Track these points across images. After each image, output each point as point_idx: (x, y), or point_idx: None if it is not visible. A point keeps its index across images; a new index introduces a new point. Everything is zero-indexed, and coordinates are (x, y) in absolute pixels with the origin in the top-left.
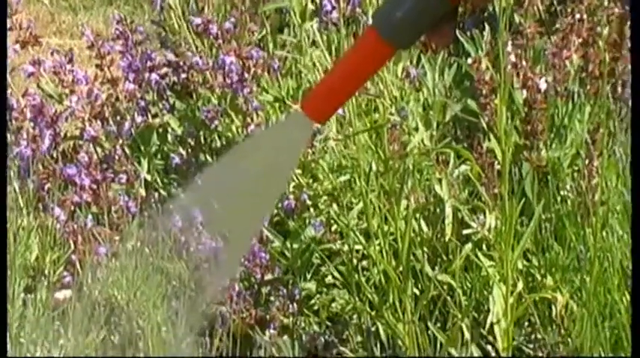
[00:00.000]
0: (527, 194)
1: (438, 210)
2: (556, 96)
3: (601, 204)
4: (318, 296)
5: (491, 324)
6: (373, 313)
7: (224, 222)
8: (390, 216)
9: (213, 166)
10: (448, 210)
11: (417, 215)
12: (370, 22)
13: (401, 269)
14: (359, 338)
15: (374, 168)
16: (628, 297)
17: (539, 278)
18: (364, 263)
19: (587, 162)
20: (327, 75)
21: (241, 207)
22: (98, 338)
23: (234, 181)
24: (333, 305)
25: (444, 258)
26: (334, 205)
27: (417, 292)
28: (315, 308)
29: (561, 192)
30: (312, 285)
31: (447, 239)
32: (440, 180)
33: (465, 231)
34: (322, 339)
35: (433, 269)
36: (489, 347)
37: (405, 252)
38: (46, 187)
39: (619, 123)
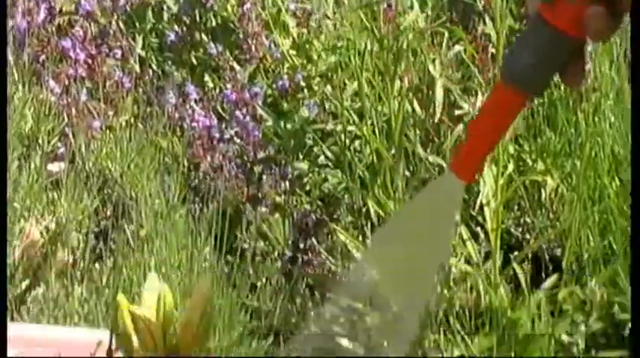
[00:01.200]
0: None
1: (430, 91)
2: None
3: (593, 90)
4: (310, 175)
5: (481, 205)
6: (365, 192)
7: (397, 288)
8: (384, 96)
9: (375, 239)
10: (439, 90)
11: (410, 95)
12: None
13: (393, 149)
14: (350, 218)
15: (368, 47)
16: (617, 182)
17: (530, 162)
18: (357, 143)
19: None
20: (469, 136)
21: (411, 274)
22: (92, 206)
23: (399, 252)
24: (325, 184)
25: (436, 139)
26: (328, 86)
27: (409, 174)
28: (307, 188)
29: (554, 77)
30: (304, 165)
31: (437, 119)
32: (433, 61)
33: (457, 112)
34: (313, 217)
35: (425, 151)
36: (478, 229)
37: (398, 132)
38: (41, 59)
39: None
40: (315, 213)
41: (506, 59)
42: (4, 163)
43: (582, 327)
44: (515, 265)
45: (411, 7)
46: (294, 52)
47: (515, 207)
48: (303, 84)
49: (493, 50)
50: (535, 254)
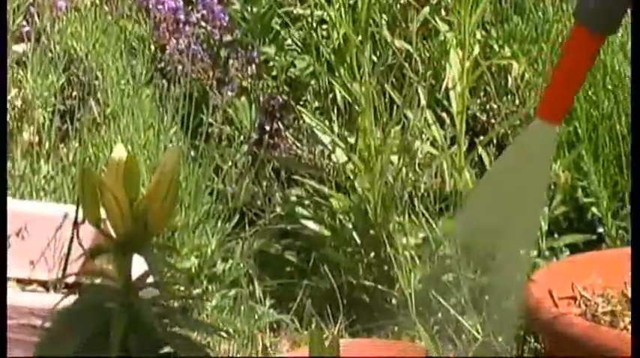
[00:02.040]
0: None
1: None
2: None
3: None
4: (277, 59)
5: (447, 89)
6: (331, 75)
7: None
8: None
9: (478, 190)
10: None
11: None
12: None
13: (360, 34)
14: (316, 103)
15: None
16: None
17: (497, 48)
18: (324, 27)
19: None
20: (552, 82)
21: (514, 217)
22: (58, 83)
23: (502, 198)
24: (292, 69)
25: (403, 24)
26: None
27: (375, 58)
28: (274, 72)
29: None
30: (271, 49)
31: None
32: None
33: None
34: (280, 99)
35: (392, 35)
36: (444, 114)
37: (365, 14)
38: None
39: None
40: (282, 96)
41: (583, 6)
42: (3, 162)
43: (545, 209)
44: (480, 149)
45: None
46: None
47: (482, 93)
48: None
49: None
50: (500, 138)
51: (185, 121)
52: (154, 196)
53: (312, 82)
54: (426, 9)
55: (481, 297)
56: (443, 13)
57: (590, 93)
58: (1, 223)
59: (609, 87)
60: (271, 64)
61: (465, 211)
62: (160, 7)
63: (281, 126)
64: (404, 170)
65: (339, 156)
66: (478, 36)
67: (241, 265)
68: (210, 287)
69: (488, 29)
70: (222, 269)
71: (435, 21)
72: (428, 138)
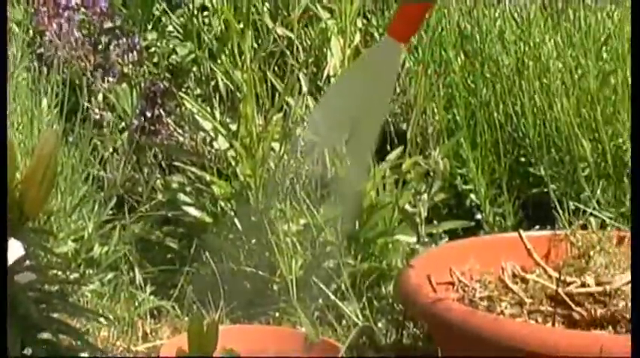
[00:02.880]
0: None
1: None
2: None
3: None
4: (158, 45)
5: (328, 77)
6: (213, 62)
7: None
8: None
9: (323, 100)
10: None
11: None
12: None
13: (241, 22)
14: (198, 90)
15: None
16: (462, 56)
17: (377, 36)
18: (205, 14)
19: None
20: (402, 4)
21: (356, 126)
22: None
23: (347, 107)
24: (173, 56)
25: (286, 13)
26: None
27: (257, 45)
28: (156, 59)
29: None
30: (153, 35)
31: None
32: None
33: None
34: (161, 85)
35: (274, 22)
36: None
37: (246, 1)
38: None
39: None
40: (163, 82)
41: None
42: (3, 161)
43: (425, 196)
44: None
45: None
46: None
47: None
48: None
49: None
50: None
51: (63, 107)
52: (30, 180)
53: (194, 69)
54: None
55: (361, 284)
56: (324, 0)
57: (468, 81)
58: (1, 223)
59: (487, 75)
60: (152, 49)
61: (315, 111)
62: None
63: (162, 112)
64: (285, 157)
65: (221, 142)
66: (359, 24)
67: (119, 249)
68: (87, 272)
69: (369, 18)
70: (100, 253)
71: (317, 8)
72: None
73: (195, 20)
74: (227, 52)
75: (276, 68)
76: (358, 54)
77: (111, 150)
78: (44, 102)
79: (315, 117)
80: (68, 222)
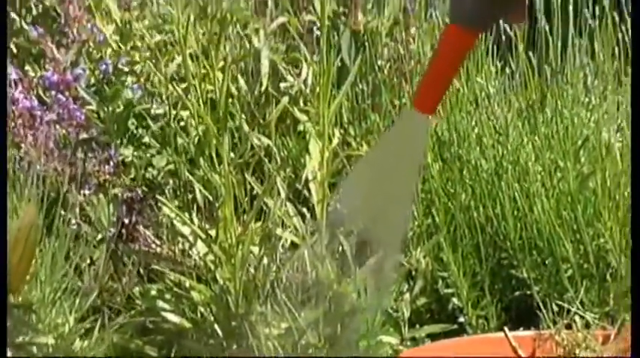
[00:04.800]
0: (344, 60)
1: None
2: None
3: (416, 72)
4: (134, 160)
5: (307, 180)
6: (191, 168)
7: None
8: (209, 66)
9: (349, 180)
10: (265, 61)
11: (235, 68)
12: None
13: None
14: (176, 202)
15: (191, 19)
16: (440, 162)
17: (355, 146)
18: (181, 124)
19: (403, 29)
20: (426, 75)
21: (386, 209)
22: None
23: (374, 189)
24: (150, 169)
25: (262, 121)
26: (151, 64)
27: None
28: (133, 174)
29: (378, 62)
30: (128, 151)
31: (263, 89)
32: (257, 30)
33: (283, 85)
34: (138, 191)
35: (252, 129)
36: (305, 210)
37: (223, 102)
38: None
39: None
40: (142, 188)
41: (453, 2)
42: (3, 163)
43: (407, 296)
44: (341, 238)
45: None
46: (117, 38)
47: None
48: (126, 69)
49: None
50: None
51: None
52: (12, 251)
53: (171, 180)
54: (285, 98)
55: None
56: (301, 104)
57: (448, 186)
58: (1, 223)
59: (466, 180)
60: (129, 161)
61: (338, 198)
62: (14, 106)
63: (140, 219)
64: (265, 259)
65: (200, 247)
66: (337, 134)
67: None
68: None
69: (346, 128)
70: (80, 347)
71: (294, 110)
72: (289, 227)
73: (173, 125)
74: (205, 157)
75: (255, 172)
76: (336, 157)
77: (88, 261)
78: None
79: (343, 186)
80: (47, 312)
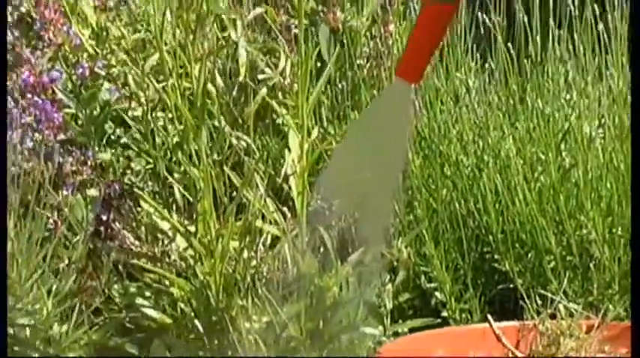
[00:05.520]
0: (323, 56)
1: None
2: None
3: (395, 70)
4: (113, 163)
5: (286, 174)
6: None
7: (361, 196)
8: (186, 60)
9: (338, 149)
10: (242, 51)
11: (213, 63)
12: None
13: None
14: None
15: (168, 14)
16: (421, 159)
17: (334, 143)
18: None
19: (382, 27)
20: (410, 45)
21: (374, 180)
22: None
23: (362, 159)
24: (128, 172)
25: (241, 120)
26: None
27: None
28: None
29: (357, 61)
30: (106, 155)
31: (241, 79)
32: (234, 21)
33: (260, 76)
34: (116, 187)
35: (232, 129)
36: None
37: (200, 96)
38: None
39: None
40: (120, 184)
41: None
42: (3, 164)
43: (389, 286)
44: (322, 231)
45: None
46: (93, 42)
47: None
48: (103, 73)
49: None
50: None
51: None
52: None
53: (150, 182)
54: (264, 90)
55: None
56: (280, 96)
57: (429, 182)
58: (1, 223)
59: (448, 175)
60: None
61: (328, 169)
62: None
63: (118, 216)
64: (245, 253)
65: (179, 242)
66: (315, 132)
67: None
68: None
69: (325, 127)
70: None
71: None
72: (269, 221)
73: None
74: (184, 151)
75: (234, 169)
76: (315, 150)
77: (66, 261)
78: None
79: (322, 182)
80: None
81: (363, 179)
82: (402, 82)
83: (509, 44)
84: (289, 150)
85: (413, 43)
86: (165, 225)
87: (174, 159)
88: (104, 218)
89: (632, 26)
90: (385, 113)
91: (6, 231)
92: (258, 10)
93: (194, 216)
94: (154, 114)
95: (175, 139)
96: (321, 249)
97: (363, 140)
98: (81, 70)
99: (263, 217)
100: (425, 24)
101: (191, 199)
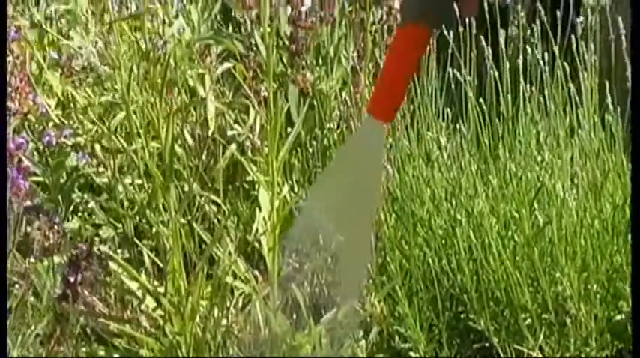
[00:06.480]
0: (292, 117)
1: (200, 110)
2: (321, 23)
3: None
4: (81, 231)
5: (257, 231)
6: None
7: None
8: (155, 117)
9: (315, 189)
10: (211, 106)
11: (181, 116)
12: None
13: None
14: (127, 255)
15: (135, 70)
16: (394, 218)
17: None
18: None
19: (353, 88)
20: (382, 79)
21: (350, 220)
22: None
23: (338, 198)
24: (96, 239)
25: (210, 183)
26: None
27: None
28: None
29: (328, 124)
30: (74, 224)
31: (209, 133)
32: (202, 76)
33: (230, 132)
34: (84, 248)
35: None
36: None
37: (169, 151)
38: None
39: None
40: (86, 244)
41: (404, 1)
42: (3, 165)
43: (363, 343)
44: (294, 288)
45: (176, 17)
46: (59, 112)
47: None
48: (69, 142)
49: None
50: None
51: None
52: None
53: (119, 250)
54: (233, 146)
55: None
56: (249, 153)
57: (402, 243)
58: (1, 223)
59: (420, 233)
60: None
61: (304, 209)
62: None
63: (86, 277)
64: (216, 311)
65: (149, 302)
66: (288, 197)
67: None
68: None
69: (296, 191)
70: None
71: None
72: (240, 278)
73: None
74: (152, 206)
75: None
76: (285, 207)
77: (33, 327)
78: None
79: (292, 238)
80: None
81: (337, 229)
82: (373, 122)
83: (481, 100)
84: (260, 209)
85: (386, 74)
86: (134, 285)
87: (142, 219)
88: (71, 279)
89: (632, 26)
90: (359, 153)
91: (6, 231)
92: (227, 64)
93: (163, 277)
94: (121, 175)
95: (144, 197)
96: (294, 308)
97: (332, 193)
98: (47, 138)
99: (235, 276)
100: (398, 48)
101: (161, 264)
